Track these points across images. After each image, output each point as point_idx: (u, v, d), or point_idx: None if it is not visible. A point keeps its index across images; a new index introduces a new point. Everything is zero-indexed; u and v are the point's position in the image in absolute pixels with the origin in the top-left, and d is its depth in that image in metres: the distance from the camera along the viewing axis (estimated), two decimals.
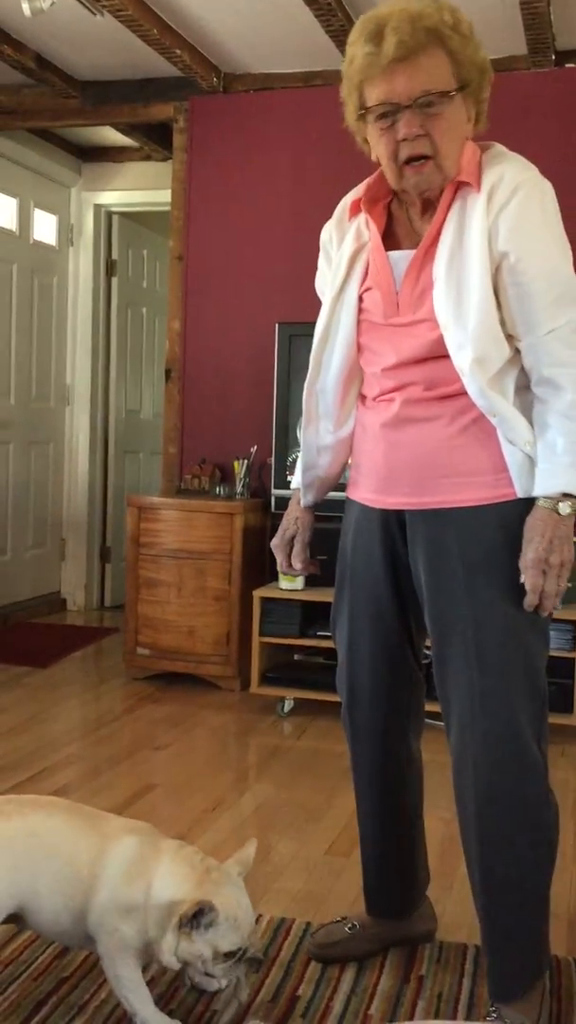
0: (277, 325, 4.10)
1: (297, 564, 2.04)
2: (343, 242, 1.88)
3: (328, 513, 2.16)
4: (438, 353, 1.73)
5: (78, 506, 5.86)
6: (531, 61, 4.03)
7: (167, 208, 4.80)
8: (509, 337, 1.72)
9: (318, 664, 4.02)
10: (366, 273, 1.83)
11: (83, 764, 3.30)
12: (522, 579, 1.69)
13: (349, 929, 2.09)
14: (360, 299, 1.84)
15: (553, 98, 4.08)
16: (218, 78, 4.43)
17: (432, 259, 1.74)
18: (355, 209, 1.87)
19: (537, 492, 1.70)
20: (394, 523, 1.86)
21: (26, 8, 3.36)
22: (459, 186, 1.73)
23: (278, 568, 2.08)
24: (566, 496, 1.68)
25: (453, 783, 1.81)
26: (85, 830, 1.81)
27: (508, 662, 1.73)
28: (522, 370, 1.75)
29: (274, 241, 4.43)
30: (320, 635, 3.85)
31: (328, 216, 1.95)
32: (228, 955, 1.72)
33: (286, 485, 3.84)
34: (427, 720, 2.05)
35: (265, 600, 3.91)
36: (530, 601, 1.69)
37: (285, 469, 4.02)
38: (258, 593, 3.92)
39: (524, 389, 1.75)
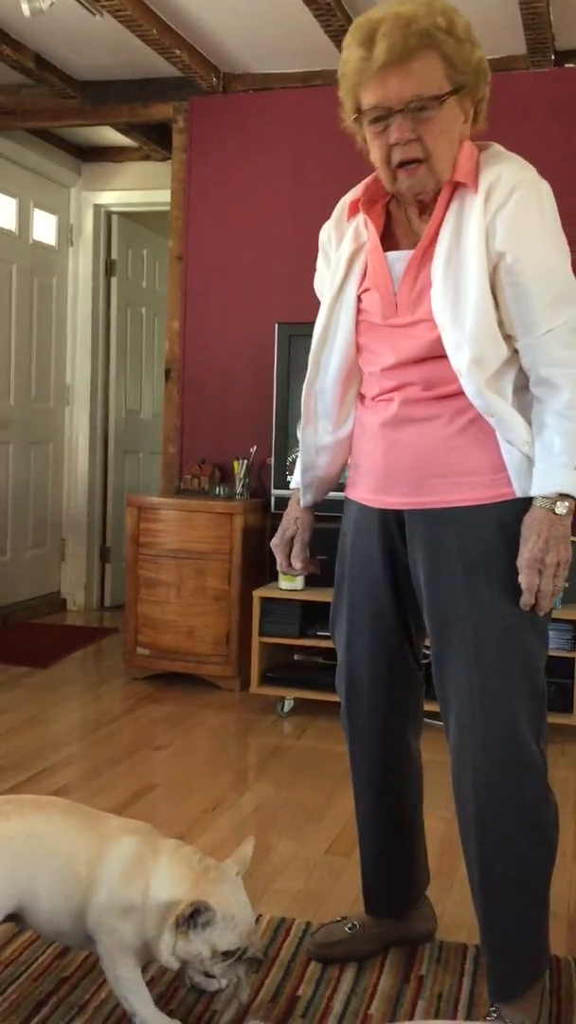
0: (276, 325, 4.10)
1: (297, 564, 2.04)
2: (342, 242, 1.88)
3: (328, 513, 2.16)
4: (437, 353, 1.74)
5: (78, 506, 5.86)
6: (530, 61, 4.03)
7: (166, 208, 4.80)
8: (507, 337, 1.72)
9: (318, 664, 4.02)
10: (364, 273, 1.83)
11: (83, 764, 3.30)
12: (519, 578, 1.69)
13: (349, 929, 2.09)
14: (359, 299, 1.84)
15: (552, 98, 4.08)
16: (217, 78, 4.43)
17: (430, 259, 1.74)
18: (354, 209, 1.87)
19: (534, 492, 1.70)
20: (393, 523, 1.86)
21: (25, 8, 3.36)
22: (457, 186, 1.73)
23: (278, 568, 2.08)
24: (563, 496, 1.68)
25: (452, 783, 1.81)
26: (84, 830, 1.81)
27: (507, 662, 1.73)
28: (520, 370, 1.75)
29: (273, 241, 4.42)
30: (320, 635, 3.85)
31: (327, 216, 1.95)
32: (227, 954, 1.72)
33: (286, 485, 3.84)
34: (426, 720, 2.05)
35: (265, 600, 3.91)
36: (526, 600, 1.70)
37: (285, 469, 4.02)
38: (258, 593, 3.93)
39: (522, 389, 1.75)
